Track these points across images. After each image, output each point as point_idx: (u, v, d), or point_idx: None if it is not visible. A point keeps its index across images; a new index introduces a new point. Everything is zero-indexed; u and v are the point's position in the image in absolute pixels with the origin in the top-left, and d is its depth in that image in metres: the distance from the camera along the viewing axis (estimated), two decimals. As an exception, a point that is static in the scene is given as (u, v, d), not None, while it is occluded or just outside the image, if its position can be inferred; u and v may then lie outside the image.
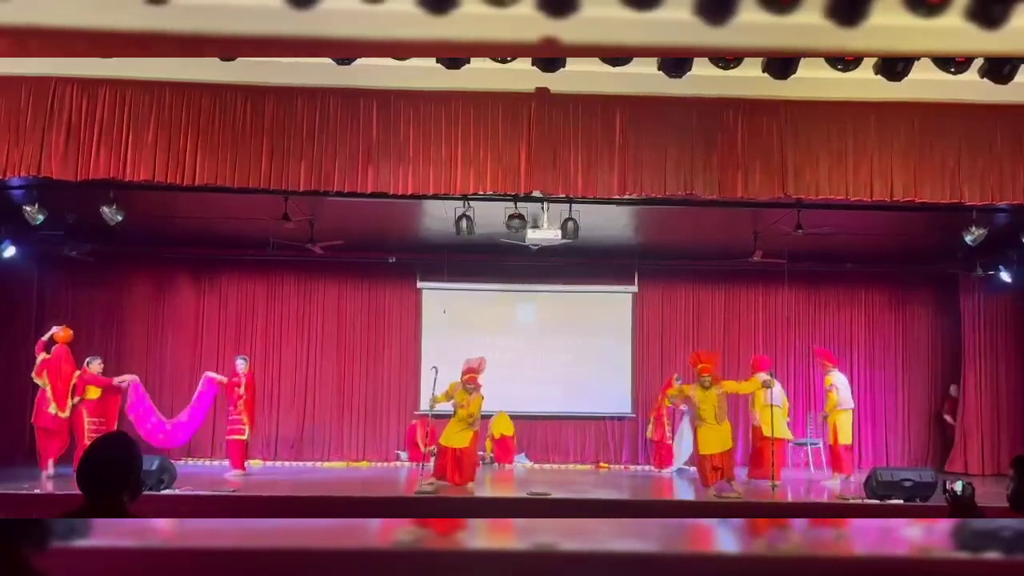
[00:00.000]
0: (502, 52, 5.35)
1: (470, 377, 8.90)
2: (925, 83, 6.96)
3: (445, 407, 9.00)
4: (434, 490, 8.21)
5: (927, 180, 7.28)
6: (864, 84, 6.93)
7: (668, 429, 11.10)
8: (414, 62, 6.79)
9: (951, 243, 9.88)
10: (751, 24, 4.55)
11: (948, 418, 11.91)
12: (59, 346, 9.57)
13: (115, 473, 2.51)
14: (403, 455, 11.60)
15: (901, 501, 7.86)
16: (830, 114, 7.32)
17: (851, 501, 8.10)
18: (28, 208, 8.47)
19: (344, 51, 6.08)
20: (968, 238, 8.76)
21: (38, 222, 8.61)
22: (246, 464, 10.02)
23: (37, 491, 7.54)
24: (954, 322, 11.99)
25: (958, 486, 3.71)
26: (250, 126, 7.25)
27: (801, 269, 11.53)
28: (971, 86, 6.87)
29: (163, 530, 2.50)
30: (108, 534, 2.30)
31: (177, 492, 7.76)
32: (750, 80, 6.93)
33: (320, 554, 2.16)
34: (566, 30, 4.20)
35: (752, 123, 7.36)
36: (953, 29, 4.65)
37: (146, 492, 6.98)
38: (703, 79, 6.87)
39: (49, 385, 9.41)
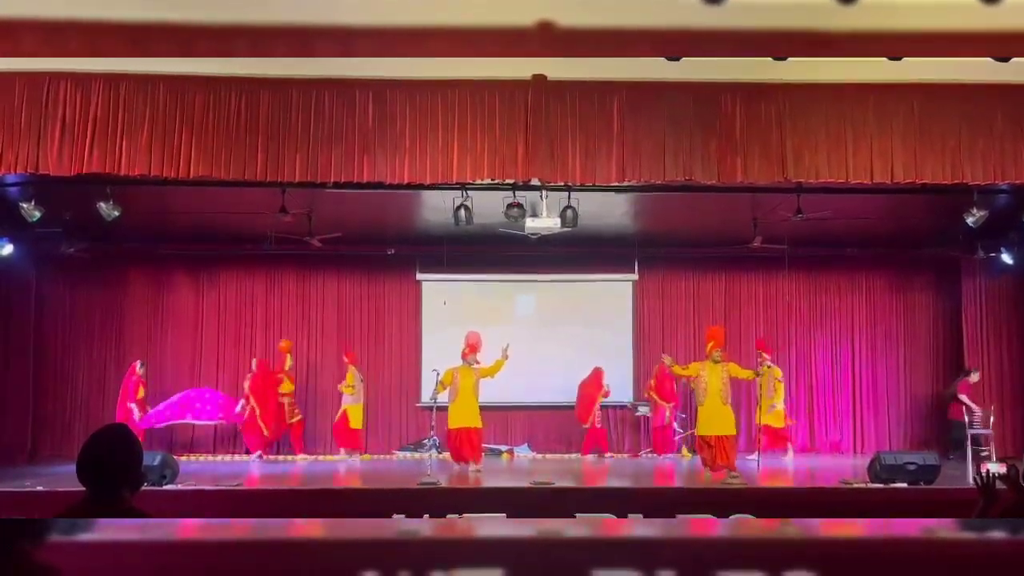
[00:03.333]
0: (496, 41, 5.27)
1: (470, 350, 9.71)
2: (924, 64, 6.91)
3: (443, 398, 9.57)
4: (436, 482, 8.21)
5: (928, 161, 7.23)
6: (862, 66, 6.88)
7: (668, 413, 11.18)
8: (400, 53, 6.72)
9: (952, 226, 9.85)
10: (750, 4, 4.49)
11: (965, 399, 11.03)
12: (279, 355, 11.40)
13: (116, 466, 2.49)
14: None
15: (905, 485, 7.86)
16: (829, 97, 7.26)
17: (854, 485, 8.10)
18: (25, 205, 8.44)
19: (337, 46, 6.01)
20: (969, 220, 8.73)
21: (35, 219, 8.59)
22: (260, 452, 11.06)
23: (39, 488, 7.53)
24: (955, 305, 11.97)
25: (993, 467, 3.06)
26: (244, 119, 7.20)
27: (801, 255, 11.49)
28: (971, 66, 6.81)
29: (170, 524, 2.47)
30: (117, 528, 2.28)
31: (180, 487, 7.76)
32: (747, 64, 6.88)
33: (327, 544, 2.14)
34: (562, 11, 4.15)
35: (750, 107, 7.30)
36: (955, 5, 4.60)
37: (149, 487, 7.00)
38: (700, 63, 6.81)
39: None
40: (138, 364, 11.03)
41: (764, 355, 10.67)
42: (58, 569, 1.79)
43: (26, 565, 1.80)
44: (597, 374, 11.52)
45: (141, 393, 10.87)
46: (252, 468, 10.37)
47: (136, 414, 10.66)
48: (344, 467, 10.54)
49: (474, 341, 9.91)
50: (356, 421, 11.14)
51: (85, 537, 2.09)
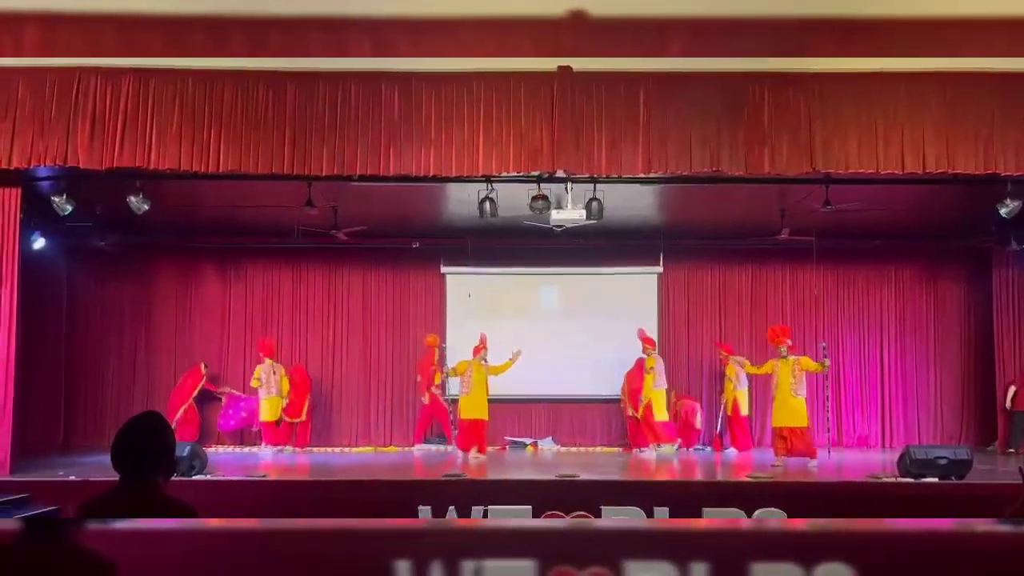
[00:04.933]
0: (528, 30, 5.25)
1: (482, 347, 10.28)
2: (956, 51, 6.79)
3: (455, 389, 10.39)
4: (462, 474, 8.25)
5: (960, 151, 7.11)
6: (893, 54, 6.77)
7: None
8: (431, 45, 6.73)
9: (984, 216, 9.69)
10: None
11: None
12: (427, 348, 11.50)
13: (149, 453, 2.52)
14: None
15: (936, 479, 7.75)
16: (859, 86, 7.16)
17: (883, 480, 8.01)
18: (56, 199, 8.54)
19: (368, 36, 6.02)
20: (1002, 211, 8.58)
21: (67, 212, 8.69)
22: (275, 445, 11.19)
23: (72, 477, 7.65)
24: (987, 297, 11.76)
25: None
26: (272, 112, 7.26)
27: (829, 246, 11.34)
28: (1004, 53, 6.68)
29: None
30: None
31: (208, 478, 7.84)
32: (775, 53, 6.79)
33: (360, 533, 2.14)
34: (593, 1, 4.11)
35: (778, 97, 7.23)
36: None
37: (177, 477, 7.08)
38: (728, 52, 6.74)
39: (420, 379, 11.60)
40: (203, 365, 11.46)
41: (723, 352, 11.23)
42: (112, 562, 1.80)
43: (81, 558, 1.82)
44: (640, 364, 11.32)
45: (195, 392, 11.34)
46: (281, 459, 10.47)
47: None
48: (258, 460, 10.38)
49: (483, 340, 10.40)
50: (267, 414, 11.15)
51: (136, 526, 2.11)
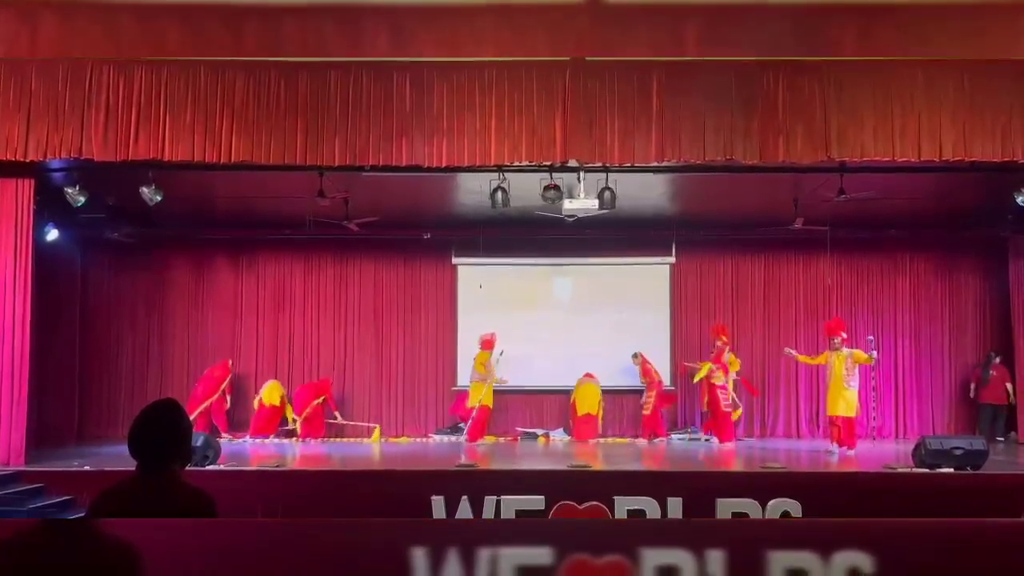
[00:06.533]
0: (544, 17, 5.19)
1: (487, 344, 10.86)
2: (974, 39, 6.71)
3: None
4: (474, 464, 8.26)
5: (978, 138, 7.04)
6: (911, 41, 6.70)
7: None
8: (447, 33, 6.71)
9: (1001, 205, 9.60)
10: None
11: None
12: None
13: (166, 440, 2.52)
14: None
15: (951, 470, 7.70)
16: (875, 73, 7.09)
17: (899, 470, 7.97)
18: (69, 190, 8.57)
19: (380, 30, 6.00)
20: (1020, 199, 8.50)
21: (80, 204, 8.72)
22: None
23: (87, 467, 7.70)
24: (1003, 287, 11.65)
25: None
26: (284, 103, 7.25)
27: (843, 236, 11.25)
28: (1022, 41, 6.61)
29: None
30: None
31: (222, 468, 7.88)
32: (790, 40, 6.73)
33: (376, 525, 2.14)
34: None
35: (793, 85, 7.16)
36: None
37: (191, 467, 7.11)
38: (742, 40, 6.69)
39: None
40: (230, 362, 11.50)
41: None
42: (137, 549, 1.80)
43: (105, 547, 1.81)
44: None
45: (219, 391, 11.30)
46: (293, 449, 10.50)
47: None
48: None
49: (489, 338, 10.98)
50: (266, 397, 11.23)
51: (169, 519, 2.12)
